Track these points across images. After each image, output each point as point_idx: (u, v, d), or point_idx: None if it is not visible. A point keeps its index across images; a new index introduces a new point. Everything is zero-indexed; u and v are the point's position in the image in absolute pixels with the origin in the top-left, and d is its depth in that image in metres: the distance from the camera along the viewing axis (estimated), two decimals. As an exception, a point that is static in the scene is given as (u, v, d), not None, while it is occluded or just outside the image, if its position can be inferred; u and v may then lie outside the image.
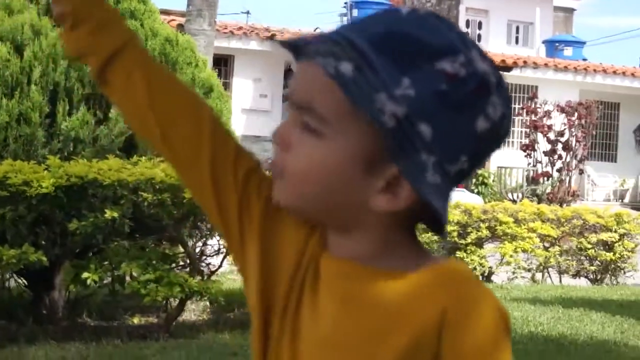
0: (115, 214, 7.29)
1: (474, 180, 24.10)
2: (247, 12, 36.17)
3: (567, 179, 25.44)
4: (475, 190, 23.19)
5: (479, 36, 36.65)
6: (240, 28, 26.76)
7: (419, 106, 1.36)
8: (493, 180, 25.92)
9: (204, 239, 8.34)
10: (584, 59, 34.67)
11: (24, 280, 8.42)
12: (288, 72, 28.81)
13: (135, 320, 8.47)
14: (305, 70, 1.45)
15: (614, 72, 31.20)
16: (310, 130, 1.43)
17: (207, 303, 8.86)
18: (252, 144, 21.28)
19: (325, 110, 1.41)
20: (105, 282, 8.10)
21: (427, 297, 1.42)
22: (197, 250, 8.34)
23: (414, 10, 1.44)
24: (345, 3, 36.11)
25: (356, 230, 1.50)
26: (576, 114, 25.22)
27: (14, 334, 7.47)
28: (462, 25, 36.68)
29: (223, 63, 26.10)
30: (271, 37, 27.08)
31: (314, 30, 30.68)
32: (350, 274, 1.49)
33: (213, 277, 8.33)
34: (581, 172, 28.35)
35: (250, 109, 25.99)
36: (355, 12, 34.51)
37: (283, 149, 1.45)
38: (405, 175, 1.41)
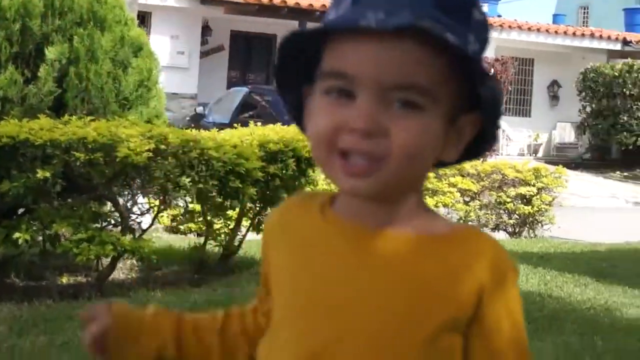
0: (47, 174, 7.18)
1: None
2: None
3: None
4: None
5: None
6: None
7: (481, 52, 1.50)
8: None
9: (135, 197, 8.26)
10: (499, 16, 35.01)
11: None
12: (205, 28, 28.69)
13: (64, 280, 8.38)
14: (389, 48, 1.39)
15: (529, 29, 31.56)
16: (410, 107, 1.42)
17: (134, 262, 8.82)
18: (169, 101, 21.12)
19: (430, 81, 1.41)
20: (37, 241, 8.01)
21: (466, 271, 1.48)
22: (128, 208, 8.27)
23: None
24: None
25: (404, 197, 1.54)
26: (492, 70, 25.42)
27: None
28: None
29: (140, 20, 25.85)
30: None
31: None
32: (399, 243, 1.50)
33: (144, 236, 8.27)
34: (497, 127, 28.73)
35: (168, 66, 25.73)
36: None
37: (380, 136, 1.41)
38: (485, 113, 1.50)
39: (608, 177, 28.19)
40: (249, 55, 30.93)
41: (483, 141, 1.56)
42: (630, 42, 33.84)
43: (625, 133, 29.10)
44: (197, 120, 22.20)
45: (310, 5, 28.35)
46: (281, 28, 29.82)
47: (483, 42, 1.49)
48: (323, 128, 1.45)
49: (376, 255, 1.50)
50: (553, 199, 15.13)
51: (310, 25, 28.52)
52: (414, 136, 1.42)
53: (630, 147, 29.63)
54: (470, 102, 1.48)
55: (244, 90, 24.78)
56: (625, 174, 29.06)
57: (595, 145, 31.30)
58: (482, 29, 1.49)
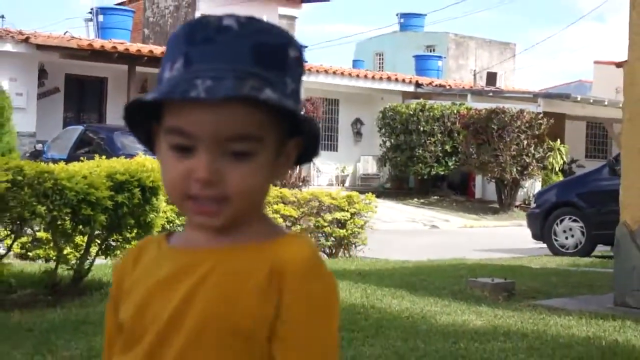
0: None
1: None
2: (2, 17, 34.77)
3: (298, 166, 25.88)
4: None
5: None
6: (-6, 28, 25.86)
7: (298, 88, 1.60)
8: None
9: (-8, 225, 8.08)
10: (306, 61, 35.31)
11: None
12: (41, 72, 28.13)
13: None
14: (220, 111, 1.48)
15: (334, 72, 31.95)
16: (242, 154, 1.52)
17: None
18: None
19: (258, 128, 1.52)
20: None
21: (267, 268, 1.54)
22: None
23: (246, 23, 1.53)
24: (92, 9, 35.38)
25: (248, 218, 1.61)
26: (304, 110, 25.67)
27: None
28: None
29: (-20, 64, 25.27)
30: (25, 40, 26.46)
31: (64, 34, 30.08)
32: (211, 255, 1.59)
33: (4, 260, 8.08)
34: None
35: (7, 107, 25.38)
36: (100, 18, 33.97)
37: (218, 182, 1.51)
38: (305, 137, 1.61)
39: (407, 204, 28.73)
40: (83, 97, 30.46)
41: (306, 154, 1.66)
42: (422, 84, 34.69)
43: (420, 164, 29.73)
44: (36, 157, 21.70)
45: (139, 50, 28.18)
46: (112, 71, 29.61)
47: (299, 76, 1.60)
48: (173, 179, 1.55)
49: (187, 268, 1.57)
50: (364, 223, 15.37)
51: (140, 69, 28.45)
52: (248, 179, 1.53)
53: (425, 176, 30.30)
54: (291, 127, 1.59)
55: (79, 128, 24.42)
56: (422, 200, 29.69)
57: (395, 175, 31.89)
58: (297, 65, 1.59)
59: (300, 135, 1.61)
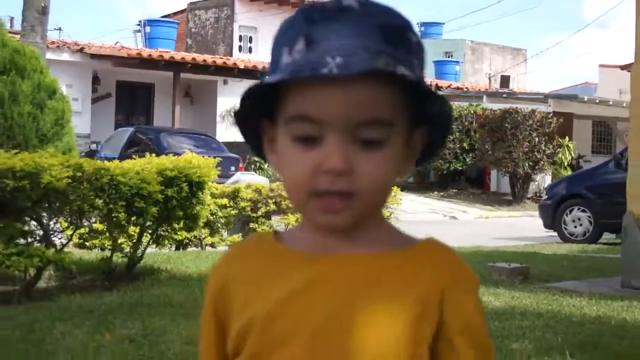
0: (-19, 198, 7.04)
1: (252, 166, 24.26)
2: (60, 29, 35.06)
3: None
4: (257, 174, 23.39)
5: (250, 48, 36.89)
6: (53, 42, 26.02)
7: (423, 72, 1.36)
8: (268, 165, 26.10)
9: (56, 217, 8.13)
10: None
11: None
12: (95, 79, 28.32)
13: (-5, 289, 8.17)
14: (352, 90, 1.24)
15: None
16: (373, 143, 1.28)
17: (52, 272, 8.66)
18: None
19: (390, 113, 1.28)
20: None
21: (429, 278, 1.33)
22: (50, 227, 8.11)
23: (367, 3, 1.30)
24: (140, 21, 35.58)
25: (370, 219, 1.37)
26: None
27: None
28: (236, 39, 36.88)
29: (40, 72, 25.46)
30: (80, 50, 26.69)
31: (115, 44, 30.27)
32: (355, 267, 1.33)
33: (65, 249, 8.14)
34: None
35: (64, 111, 25.57)
36: (148, 29, 34.15)
37: (348, 173, 1.26)
38: (433, 127, 1.38)
39: (428, 197, 28.68)
40: (132, 101, 30.67)
41: (430, 150, 1.42)
42: (441, 87, 34.56)
43: (440, 161, 29.58)
44: (91, 156, 21.71)
45: (183, 59, 28.40)
46: (159, 78, 29.75)
47: (422, 62, 1.35)
48: (298, 174, 1.29)
49: (348, 279, 1.31)
50: (391, 214, 15.33)
51: (184, 75, 28.57)
52: (380, 170, 1.28)
53: (445, 171, 30.19)
54: (418, 117, 1.35)
55: (130, 129, 24.57)
56: (442, 193, 29.62)
57: (417, 171, 31.78)
58: (420, 51, 1.35)
59: (426, 125, 1.38)
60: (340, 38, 1.25)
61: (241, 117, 1.37)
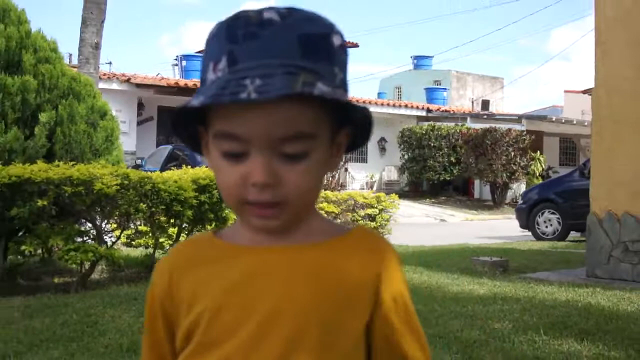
0: (44, 203, 7.02)
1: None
2: (110, 63, 35.31)
3: (337, 174, 25.87)
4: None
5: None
6: (105, 74, 26.12)
7: (345, 76, 1.22)
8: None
9: (106, 219, 8.13)
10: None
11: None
12: (140, 105, 28.38)
13: (56, 280, 8.17)
14: (272, 111, 1.13)
15: (363, 102, 31.81)
16: (297, 154, 1.16)
17: (104, 266, 8.66)
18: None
19: (312, 125, 1.16)
20: (37, 252, 7.82)
21: (364, 262, 1.23)
22: (102, 226, 8.11)
23: (288, 14, 1.16)
24: (177, 56, 35.70)
25: (306, 215, 1.27)
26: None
27: (-30, 293, 7.09)
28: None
29: (93, 99, 25.54)
30: (127, 80, 26.76)
31: (157, 75, 30.33)
32: (292, 256, 1.23)
33: (114, 247, 8.14)
34: (346, 170, 29.01)
35: (114, 132, 25.61)
36: (184, 63, 34.22)
37: (276, 185, 1.16)
38: (354, 125, 1.24)
39: (421, 203, 28.62)
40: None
41: (355, 142, 1.29)
42: (432, 110, 34.59)
43: (431, 172, 29.63)
44: (136, 169, 21.91)
45: (214, 87, 28.37)
46: (193, 104, 29.76)
47: (345, 64, 1.21)
48: (228, 186, 1.19)
49: (290, 266, 1.21)
50: (389, 217, 15.30)
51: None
52: (304, 180, 1.18)
53: (435, 181, 30.19)
54: (341, 119, 1.22)
55: (169, 147, 24.58)
56: (433, 200, 29.55)
57: (412, 181, 31.76)
58: (342, 52, 1.21)
59: (350, 124, 1.24)
60: (260, 57, 1.13)
61: (176, 126, 1.26)
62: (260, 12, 1.17)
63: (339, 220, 14.50)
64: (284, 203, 1.17)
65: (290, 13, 1.16)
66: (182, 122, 1.25)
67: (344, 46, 1.21)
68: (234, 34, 1.16)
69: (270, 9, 1.17)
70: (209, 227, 9.30)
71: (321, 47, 1.16)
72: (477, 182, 30.57)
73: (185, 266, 1.26)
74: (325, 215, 14.13)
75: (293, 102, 1.12)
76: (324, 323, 1.19)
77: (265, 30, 1.14)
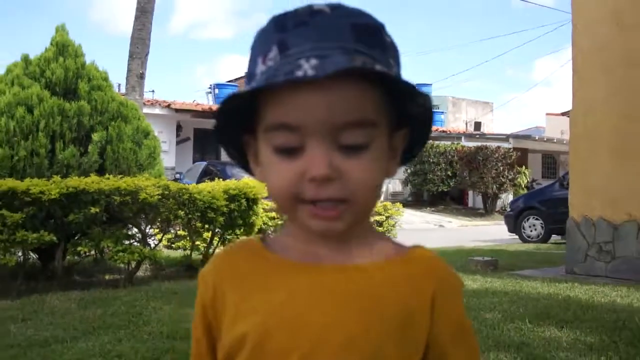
0: (97, 210, 7.06)
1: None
2: (153, 91, 35.42)
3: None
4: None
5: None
6: (149, 101, 26.27)
7: (400, 72, 0.99)
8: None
9: (149, 224, 8.16)
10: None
11: (35, 255, 8.04)
12: (178, 127, 28.51)
13: (107, 277, 8.21)
14: (330, 92, 0.90)
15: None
16: (356, 146, 0.93)
17: (148, 265, 8.68)
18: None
19: (372, 113, 0.93)
20: (91, 253, 7.85)
21: (420, 286, 1.00)
22: (146, 231, 8.14)
23: (337, 6, 0.95)
24: (211, 85, 35.83)
25: (360, 227, 1.02)
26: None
27: (34, 288, 7.13)
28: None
29: (138, 122, 25.71)
30: (168, 106, 26.91)
31: (193, 102, 30.44)
32: (351, 276, 0.98)
33: (157, 248, 8.17)
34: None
35: (156, 150, 25.72)
36: (217, 90, 34.32)
37: (334, 180, 0.92)
38: (415, 125, 1.02)
39: (422, 211, 28.52)
40: (205, 143, 30.70)
41: (410, 152, 1.06)
42: (431, 131, 34.49)
43: (431, 184, 29.51)
44: (175, 182, 22.00)
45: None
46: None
47: (398, 62, 0.99)
48: (285, 184, 0.94)
49: (342, 289, 0.97)
50: (395, 223, 15.25)
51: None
52: (369, 174, 0.94)
53: (435, 192, 30.06)
54: (398, 118, 1.00)
55: (204, 163, 24.61)
56: (432, 209, 29.45)
57: (414, 192, 31.66)
58: (395, 51, 0.99)
59: (407, 126, 1.01)
60: (313, 42, 0.91)
61: (221, 132, 1.01)
62: (309, 5, 0.96)
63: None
64: (347, 201, 0.93)
65: (340, 6, 0.96)
66: (226, 128, 1.00)
67: (394, 45, 0.99)
68: (284, 25, 0.95)
69: (318, 3, 0.96)
70: (238, 232, 9.32)
71: (375, 36, 0.95)
72: (470, 193, 30.46)
73: (230, 277, 1.03)
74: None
75: (351, 83, 0.90)
76: (374, 355, 0.95)
77: (316, 18, 0.94)
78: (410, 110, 0.98)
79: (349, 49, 0.91)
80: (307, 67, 0.86)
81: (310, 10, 0.94)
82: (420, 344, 0.99)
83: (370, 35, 0.95)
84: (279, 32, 0.94)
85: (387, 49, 0.96)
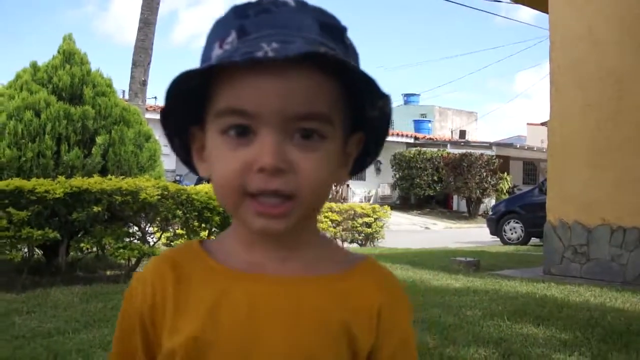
0: (99, 209, 7.03)
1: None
2: (155, 97, 35.27)
3: (341, 189, 25.85)
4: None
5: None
6: (151, 107, 26.18)
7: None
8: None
9: (149, 223, 8.14)
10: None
11: (40, 251, 8.01)
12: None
13: (108, 273, 8.17)
14: (289, 78, 0.81)
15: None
16: (313, 138, 0.84)
17: (147, 261, 8.64)
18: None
19: (329, 108, 0.85)
20: (93, 250, 7.82)
21: (364, 299, 0.91)
22: (146, 229, 8.12)
23: (303, 2, 0.87)
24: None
25: (306, 232, 0.92)
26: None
27: (38, 282, 7.09)
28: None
29: (141, 127, 25.60)
30: (169, 112, 26.84)
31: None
32: (303, 290, 0.89)
33: (156, 246, 8.14)
34: (347, 186, 28.96)
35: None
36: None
37: (284, 172, 0.82)
38: (369, 134, 0.93)
39: (409, 214, 28.60)
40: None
41: (363, 157, 0.96)
42: (418, 138, 34.60)
43: (418, 189, 29.59)
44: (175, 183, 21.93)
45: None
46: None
47: (358, 64, 0.89)
48: (229, 173, 0.84)
49: (280, 304, 0.87)
50: (383, 225, 15.28)
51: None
52: (320, 169, 0.84)
53: (421, 196, 30.14)
54: (354, 123, 0.91)
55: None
56: (419, 211, 29.52)
57: (402, 196, 31.72)
58: (355, 54, 0.90)
59: (362, 131, 0.92)
60: (276, 28, 0.82)
61: (167, 119, 0.91)
62: None
63: (340, 227, 14.48)
64: (294, 197, 0.83)
65: (305, 3, 0.87)
66: (174, 115, 0.89)
67: (355, 49, 0.91)
68: (244, 12, 0.85)
69: None
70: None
71: (338, 36, 0.87)
72: (455, 197, 30.53)
73: (171, 281, 0.90)
74: (330, 222, 14.12)
75: (312, 72, 0.82)
76: None
77: (281, 8, 0.85)
78: (367, 114, 0.89)
79: (313, 39, 0.82)
80: (268, 49, 0.77)
81: (274, 1, 0.85)
82: (360, 358, 0.90)
83: (334, 33, 0.87)
84: (239, 18, 0.85)
85: (349, 50, 0.88)
